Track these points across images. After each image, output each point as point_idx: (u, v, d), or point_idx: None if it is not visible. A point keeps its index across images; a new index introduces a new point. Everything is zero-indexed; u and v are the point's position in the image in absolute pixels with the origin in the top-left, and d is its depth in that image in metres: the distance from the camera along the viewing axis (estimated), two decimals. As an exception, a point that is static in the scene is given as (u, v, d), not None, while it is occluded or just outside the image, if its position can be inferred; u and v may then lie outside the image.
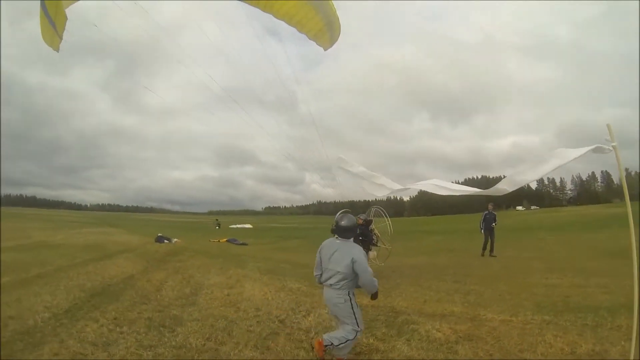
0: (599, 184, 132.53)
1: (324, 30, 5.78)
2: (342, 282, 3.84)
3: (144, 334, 4.68)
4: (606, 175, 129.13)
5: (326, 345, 3.76)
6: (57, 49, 4.90)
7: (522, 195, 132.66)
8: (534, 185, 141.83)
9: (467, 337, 4.56)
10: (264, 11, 5.20)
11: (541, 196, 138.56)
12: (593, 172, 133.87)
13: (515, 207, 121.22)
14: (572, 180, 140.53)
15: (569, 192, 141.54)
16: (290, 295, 7.08)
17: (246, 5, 5.13)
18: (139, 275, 8.99)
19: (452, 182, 3.95)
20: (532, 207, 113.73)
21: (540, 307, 5.76)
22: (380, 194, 4.36)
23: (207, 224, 54.00)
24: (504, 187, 3.45)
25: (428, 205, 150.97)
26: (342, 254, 3.89)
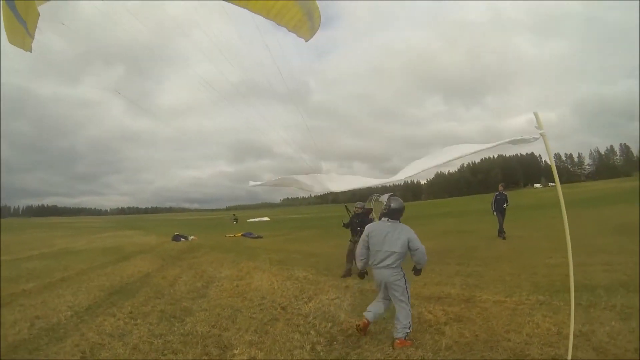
0: (617, 157, 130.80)
1: (304, 20, 5.69)
2: (398, 261, 4.30)
3: (155, 325, 5.24)
4: (625, 149, 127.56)
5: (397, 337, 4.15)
6: (29, 50, 4.67)
7: (540, 173, 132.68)
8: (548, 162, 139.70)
9: (457, 319, 4.81)
10: (240, 6, 5.28)
11: (559, 172, 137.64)
12: (611, 146, 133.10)
13: (533, 185, 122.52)
14: (590, 155, 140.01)
15: (587, 167, 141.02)
16: (295, 284, 7.55)
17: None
18: (154, 272, 9.66)
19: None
20: (550, 184, 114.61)
21: (537, 288, 5.91)
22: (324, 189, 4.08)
23: (225, 219, 55.30)
24: (401, 176, 3.41)
25: (445, 187, 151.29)
26: (396, 234, 4.31)
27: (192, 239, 20.44)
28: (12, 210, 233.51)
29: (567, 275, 6.36)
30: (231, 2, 5.25)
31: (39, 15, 4.13)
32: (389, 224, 4.42)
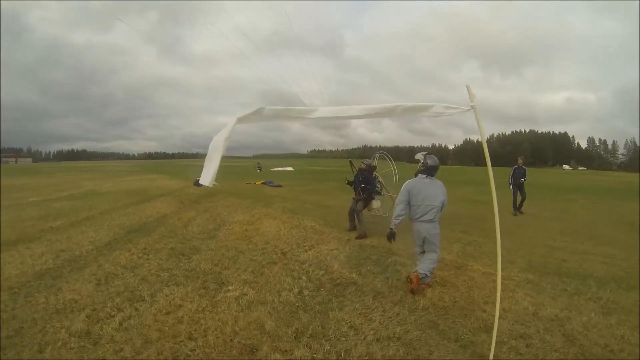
0: None
1: None
2: (437, 215, 4.70)
3: (164, 260, 5.87)
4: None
5: (421, 278, 4.58)
6: None
7: (571, 155, 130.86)
8: (583, 145, 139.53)
9: (442, 283, 4.98)
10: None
11: (591, 157, 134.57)
12: None
13: (562, 166, 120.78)
14: (626, 145, 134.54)
15: (621, 156, 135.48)
16: (301, 232, 8.03)
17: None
18: (171, 214, 10.43)
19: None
20: (580, 168, 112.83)
21: (529, 266, 5.94)
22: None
23: (250, 167, 56.65)
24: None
25: (472, 155, 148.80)
26: (435, 190, 4.71)
27: (214, 184, 21.35)
28: (43, 154, 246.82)
29: (565, 260, 6.39)
30: None
31: None
32: (427, 180, 4.77)
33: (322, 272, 5.32)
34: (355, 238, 7.55)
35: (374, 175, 8.58)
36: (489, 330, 3.64)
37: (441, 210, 4.76)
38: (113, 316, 3.78)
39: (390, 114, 2.63)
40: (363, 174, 8.38)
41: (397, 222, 4.79)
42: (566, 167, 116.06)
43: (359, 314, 3.96)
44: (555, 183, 32.12)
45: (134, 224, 8.94)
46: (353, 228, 8.24)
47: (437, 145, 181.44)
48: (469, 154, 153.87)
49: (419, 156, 4.97)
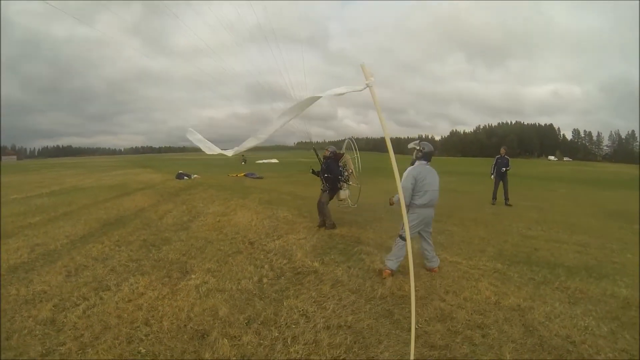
0: (638, 143, 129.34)
1: None
2: (436, 200, 5.03)
3: (135, 251, 6.09)
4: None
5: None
6: None
7: (557, 146, 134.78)
8: (568, 136, 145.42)
9: (404, 272, 4.91)
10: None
11: (576, 148, 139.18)
12: (633, 131, 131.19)
13: (547, 157, 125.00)
14: (610, 136, 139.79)
15: (606, 147, 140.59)
16: (272, 222, 8.30)
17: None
18: (149, 207, 10.59)
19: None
20: (565, 159, 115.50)
21: (499, 255, 5.97)
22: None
23: (235, 160, 56.47)
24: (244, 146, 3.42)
25: (459, 146, 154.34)
26: (434, 175, 5.04)
27: (195, 177, 21.48)
28: (27, 152, 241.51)
29: (537, 249, 6.46)
30: None
31: None
32: (428, 166, 5.03)
33: (285, 261, 5.56)
34: (326, 228, 7.58)
35: (340, 164, 8.10)
36: (445, 319, 3.71)
37: None
38: (78, 305, 4.00)
39: (307, 106, 2.86)
40: (326, 162, 7.95)
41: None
42: (552, 158, 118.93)
43: (314, 302, 4.12)
44: (539, 173, 32.82)
45: (111, 217, 9.08)
46: (323, 224, 7.84)
47: (423, 136, 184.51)
48: (455, 144, 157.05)
49: (413, 145, 5.21)
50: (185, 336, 3.37)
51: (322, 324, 3.60)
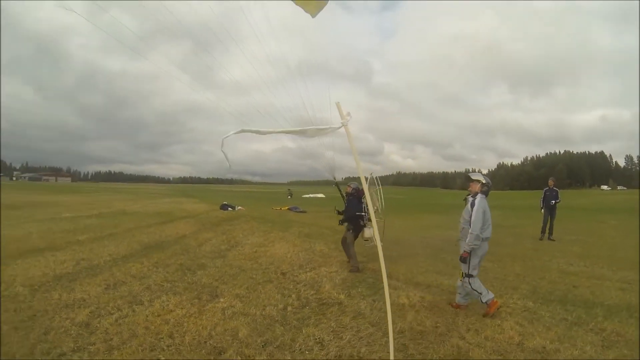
0: None
1: None
2: None
3: (171, 273, 6.59)
4: None
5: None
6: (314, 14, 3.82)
7: (609, 174, 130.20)
8: (621, 163, 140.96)
9: (429, 307, 5.10)
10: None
11: (630, 176, 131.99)
12: None
13: (599, 186, 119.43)
14: None
15: None
16: (308, 255, 8.56)
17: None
18: (190, 235, 11.29)
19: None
20: (619, 187, 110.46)
21: (533, 293, 5.85)
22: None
23: (281, 194, 58.08)
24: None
25: (506, 179, 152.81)
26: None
27: (239, 209, 22.38)
28: (81, 175, 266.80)
29: (576, 287, 6.36)
30: None
31: None
32: (485, 200, 5.08)
33: (312, 292, 5.78)
34: (349, 271, 7.15)
35: (362, 202, 7.74)
36: (462, 357, 3.71)
37: None
38: (112, 314, 4.48)
39: (290, 133, 3.06)
40: (348, 199, 7.83)
41: (480, 244, 4.95)
42: (604, 187, 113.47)
43: (331, 331, 4.29)
44: (589, 204, 30.79)
45: (152, 241, 9.83)
46: (357, 269, 7.28)
47: (470, 169, 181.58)
48: (502, 178, 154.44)
49: (478, 176, 5.24)
50: (204, 351, 3.67)
51: (335, 352, 3.76)
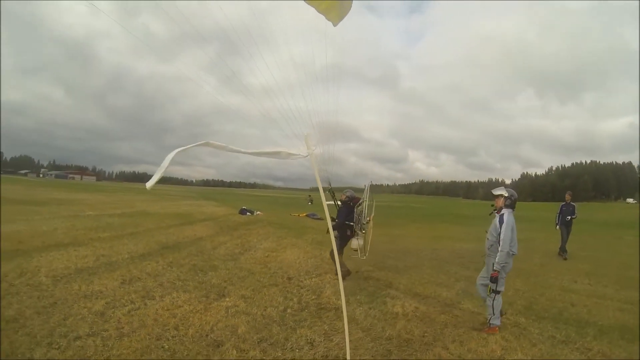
0: None
1: (334, 3, 5.82)
2: None
3: (184, 273, 7.10)
4: None
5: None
6: (335, 22, 4.17)
7: (635, 186, 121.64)
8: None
9: (421, 317, 5.34)
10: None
11: None
12: None
13: (625, 199, 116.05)
14: None
15: None
16: (316, 262, 8.93)
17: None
18: (206, 237, 11.85)
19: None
20: None
21: (527, 309, 5.98)
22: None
23: (301, 199, 58.58)
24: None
25: (529, 190, 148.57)
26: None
27: (258, 214, 22.97)
28: (106, 174, 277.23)
29: (573, 305, 6.51)
30: None
31: None
32: (512, 214, 5.04)
33: (313, 297, 6.16)
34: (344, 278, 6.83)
35: (357, 211, 7.63)
36: None
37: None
38: (125, 306, 5.00)
39: (259, 155, 3.24)
40: (341, 209, 7.73)
41: (510, 262, 5.00)
42: (630, 200, 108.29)
43: (323, 333, 4.66)
44: (609, 218, 29.85)
45: (170, 242, 10.42)
46: (347, 272, 7.43)
47: (493, 180, 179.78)
48: (526, 188, 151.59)
49: (500, 190, 5.19)
50: (204, 343, 4.12)
51: (322, 352, 4.14)
